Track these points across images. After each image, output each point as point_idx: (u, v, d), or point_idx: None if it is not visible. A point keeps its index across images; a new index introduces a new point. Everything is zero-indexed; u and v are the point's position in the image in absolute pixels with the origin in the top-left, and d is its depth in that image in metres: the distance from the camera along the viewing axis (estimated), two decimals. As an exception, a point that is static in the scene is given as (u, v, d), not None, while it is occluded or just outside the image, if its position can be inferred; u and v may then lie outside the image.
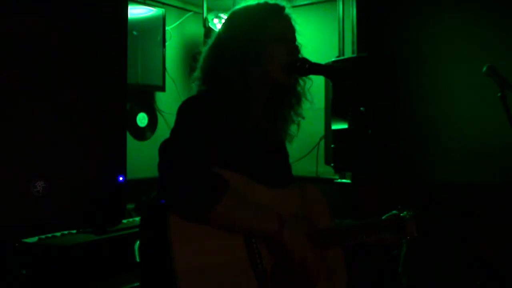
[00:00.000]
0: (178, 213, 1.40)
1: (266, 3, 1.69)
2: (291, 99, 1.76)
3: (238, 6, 1.74)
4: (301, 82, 1.77)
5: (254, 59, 1.61)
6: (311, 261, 1.54)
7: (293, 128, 1.80)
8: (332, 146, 3.31)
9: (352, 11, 3.81)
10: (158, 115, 4.07)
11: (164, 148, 1.45)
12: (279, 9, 1.69)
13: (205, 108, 1.57)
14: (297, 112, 1.78)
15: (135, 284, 2.19)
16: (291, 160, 1.88)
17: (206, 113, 1.55)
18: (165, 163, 1.42)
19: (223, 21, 1.78)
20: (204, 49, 1.74)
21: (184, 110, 1.58)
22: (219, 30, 1.74)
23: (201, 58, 1.73)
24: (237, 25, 1.67)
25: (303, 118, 1.79)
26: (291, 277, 1.55)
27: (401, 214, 1.86)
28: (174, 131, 1.54)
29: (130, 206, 2.98)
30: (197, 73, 1.72)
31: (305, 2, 4.07)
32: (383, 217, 1.86)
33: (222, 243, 1.45)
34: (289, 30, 1.70)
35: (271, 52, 1.63)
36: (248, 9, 1.70)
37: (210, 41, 1.73)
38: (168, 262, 1.35)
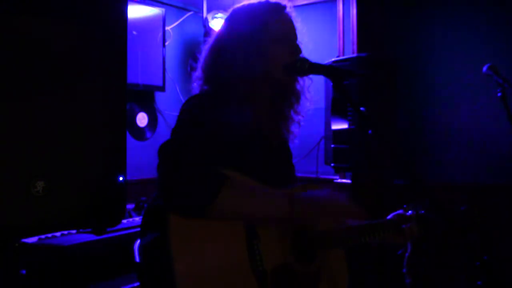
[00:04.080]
0: (178, 211, 1.40)
1: (267, 2, 1.69)
2: (291, 98, 1.75)
3: (239, 5, 1.73)
4: (300, 81, 1.76)
5: (256, 58, 1.61)
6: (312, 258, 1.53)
7: (295, 127, 1.80)
8: (332, 146, 3.31)
9: (352, 11, 3.81)
10: (158, 115, 4.07)
11: (164, 149, 1.45)
12: (281, 8, 1.69)
13: (207, 107, 1.56)
14: (297, 110, 1.77)
15: (135, 284, 2.19)
16: (291, 160, 1.88)
17: (208, 112, 1.55)
18: (164, 165, 1.42)
19: (223, 20, 1.77)
20: (204, 48, 1.73)
21: (186, 109, 1.58)
22: (220, 28, 1.73)
23: (201, 58, 1.72)
24: (239, 24, 1.66)
25: (303, 116, 1.79)
26: (292, 279, 1.55)
27: (406, 214, 1.85)
28: (174, 131, 1.53)
29: (130, 206, 2.98)
30: (198, 73, 1.72)
31: (305, 2, 4.07)
32: (388, 217, 1.86)
33: (222, 244, 1.44)
34: (291, 30, 1.70)
35: (273, 51, 1.63)
36: (249, 8, 1.70)
37: (210, 39, 1.73)
38: (168, 263, 1.35)
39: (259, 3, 1.69)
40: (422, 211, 1.86)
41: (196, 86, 1.72)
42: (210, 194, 1.38)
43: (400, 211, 1.88)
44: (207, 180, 1.39)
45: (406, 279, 1.87)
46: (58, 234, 2.24)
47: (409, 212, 1.86)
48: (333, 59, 3.43)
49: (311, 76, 1.72)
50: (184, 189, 1.37)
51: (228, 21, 1.72)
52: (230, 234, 1.46)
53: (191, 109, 1.58)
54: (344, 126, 3.20)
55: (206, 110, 1.56)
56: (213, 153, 1.47)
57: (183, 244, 1.38)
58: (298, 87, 1.75)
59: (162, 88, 3.94)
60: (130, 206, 2.97)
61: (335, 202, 1.57)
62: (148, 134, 3.98)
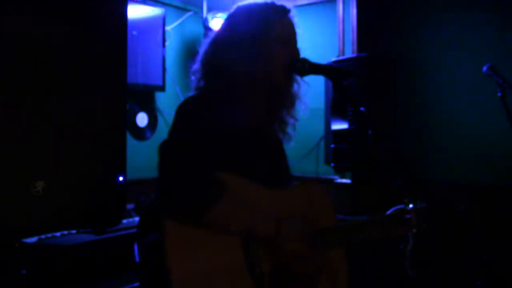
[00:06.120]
0: (175, 215, 1.40)
1: (272, 4, 1.69)
2: (288, 100, 1.75)
3: (242, 4, 1.73)
4: (295, 85, 1.76)
5: (256, 57, 1.61)
6: (310, 259, 1.53)
7: (290, 129, 1.79)
8: (332, 146, 3.31)
9: (352, 11, 3.81)
10: (158, 115, 4.07)
11: (163, 150, 1.45)
12: (285, 11, 1.69)
13: (204, 108, 1.56)
14: (291, 114, 1.77)
15: (135, 284, 2.19)
16: (291, 160, 1.88)
17: (204, 113, 1.54)
18: (163, 166, 1.43)
19: (223, 20, 1.77)
20: (205, 42, 1.72)
21: (183, 110, 1.57)
22: (222, 24, 1.73)
23: (201, 52, 1.72)
24: (242, 21, 1.66)
25: (297, 120, 1.79)
26: (290, 280, 1.54)
27: (407, 207, 1.85)
28: (172, 132, 1.53)
29: (130, 206, 2.98)
30: (196, 66, 1.71)
31: (305, 2, 4.07)
32: (388, 211, 1.86)
33: (218, 248, 1.44)
34: (293, 33, 1.70)
35: (274, 51, 1.63)
36: (254, 7, 1.69)
37: (211, 34, 1.72)
38: (164, 266, 1.35)
39: (265, 3, 1.69)
40: (423, 204, 1.86)
41: (193, 80, 1.71)
42: (205, 207, 1.39)
43: (401, 206, 1.88)
44: (204, 191, 1.40)
45: (408, 273, 1.87)
46: (58, 234, 2.24)
47: (410, 205, 1.86)
48: (333, 59, 3.43)
49: (311, 76, 1.72)
50: (181, 198, 1.38)
51: (230, 18, 1.71)
52: (226, 237, 1.45)
53: (189, 108, 1.57)
54: (344, 126, 3.20)
55: (203, 111, 1.55)
56: (211, 154, 1.47)
57: (178, 248, 1.37)
58: (295, 90, 1.75)
59: (162, 88, 3.94)
60: (130, 206, 2.97)
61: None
62: (148, 134, 3.98)
